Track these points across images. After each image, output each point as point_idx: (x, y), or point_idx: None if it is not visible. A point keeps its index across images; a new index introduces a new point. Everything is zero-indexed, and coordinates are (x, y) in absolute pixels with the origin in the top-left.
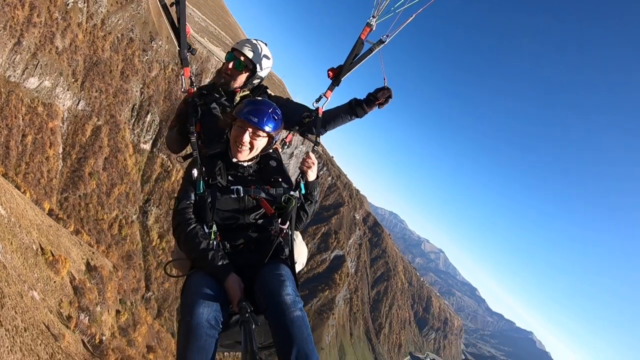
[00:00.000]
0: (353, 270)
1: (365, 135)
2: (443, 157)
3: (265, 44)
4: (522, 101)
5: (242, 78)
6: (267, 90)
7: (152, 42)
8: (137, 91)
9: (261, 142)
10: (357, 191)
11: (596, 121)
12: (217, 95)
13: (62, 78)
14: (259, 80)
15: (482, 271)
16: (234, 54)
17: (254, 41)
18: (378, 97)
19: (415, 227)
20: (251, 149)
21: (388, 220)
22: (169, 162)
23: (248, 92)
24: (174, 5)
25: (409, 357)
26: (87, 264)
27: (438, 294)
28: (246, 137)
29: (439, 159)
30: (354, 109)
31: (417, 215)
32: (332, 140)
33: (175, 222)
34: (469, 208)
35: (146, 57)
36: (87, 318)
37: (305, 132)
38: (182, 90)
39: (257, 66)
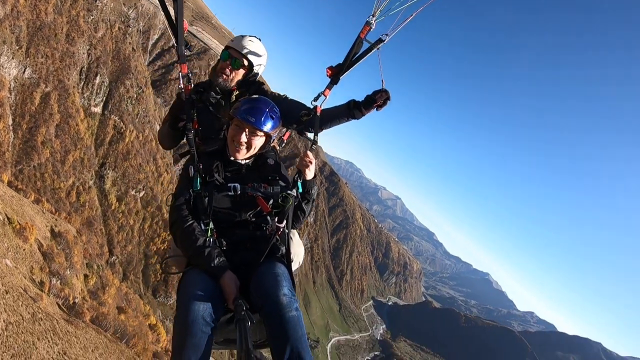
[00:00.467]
0: (312, 219)
1: (317, 83)
2: (397, 104)
3: (259, 39)
4: (471, 43)
5: (239, 76)
6: (263, 86)
7: (97, 1)
8: (84, 53)
9: (259, 141)
10: None
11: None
12: (214, 93)
13: (5, 47)
14: (255, 77)
15: (439, 216)
16: (229, 52)
17: (249, 38)
18: (376, 99)
19: (372, 175)
20: (249, 148)
21: (344, 169)
22: (122, 123)
23: (243, 90)
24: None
25: (371, 301)
26: (52, 231)
27: (396, 239)
28: (243, 137)
29: (392, 106)
30: (351, 111)
31: (372, 164)
32: (282, 89)
33: (172, 219)
34: (424, 154)
35: (91, 17)
36: (58, 282)
37: (303, 131)
38: (180, 87)
39: (254, 63)
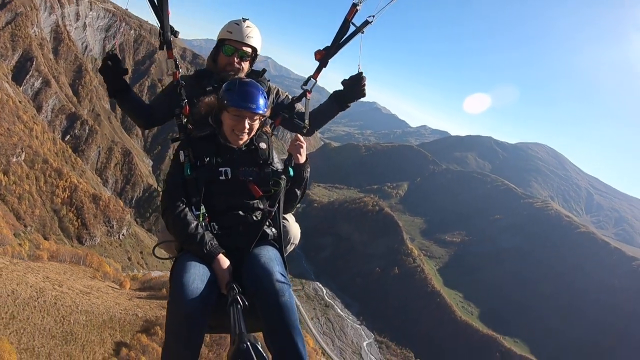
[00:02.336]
0: None
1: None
2: None
3: (248, 19)
4: None
5: (247, 66)
6: (265, 74)
7: None
8: None
9: (257, 124)
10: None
11: None
12: (215, 80)
13: None
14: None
15: (311, 61)
16: (232, 45)
17: (245, 24)
18: (353, 88)
19: None
20: (249, 133)
21: (205, 48)
22: None
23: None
24: None
25: None
26: None
27: None
28: (246, 125)
29: None
30: (340, 106)
31: None
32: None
33: (163, 205)
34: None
35: None
36: (5, 247)
37: (294, 118)
38: (168, 73)
39: (257, 48)
